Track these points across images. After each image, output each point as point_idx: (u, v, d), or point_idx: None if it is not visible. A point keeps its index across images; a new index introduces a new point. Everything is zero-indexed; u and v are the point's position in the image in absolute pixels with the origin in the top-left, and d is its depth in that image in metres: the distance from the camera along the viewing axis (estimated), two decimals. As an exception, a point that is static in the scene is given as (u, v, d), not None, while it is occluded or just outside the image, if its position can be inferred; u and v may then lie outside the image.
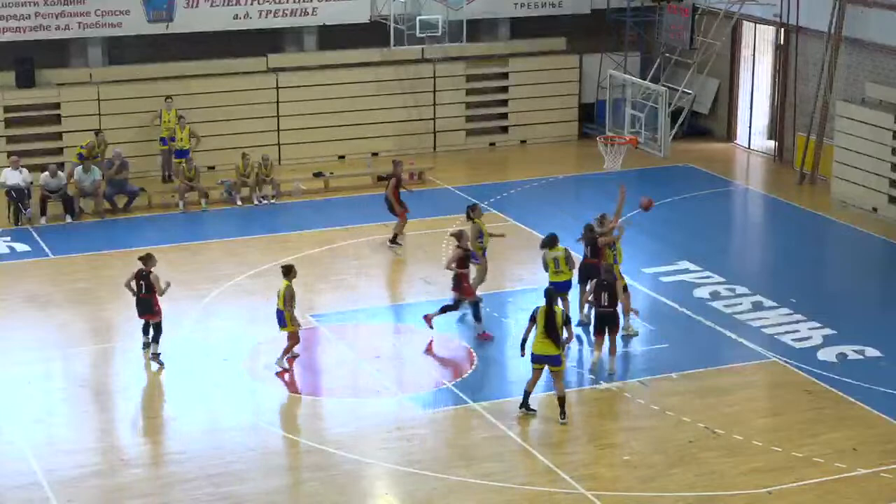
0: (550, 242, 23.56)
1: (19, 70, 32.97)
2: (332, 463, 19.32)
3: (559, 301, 20.72)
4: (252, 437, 20.11)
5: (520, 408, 20.59)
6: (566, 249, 23.55)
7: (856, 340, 23.43)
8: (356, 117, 35.32)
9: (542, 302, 20.36)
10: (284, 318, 22.14)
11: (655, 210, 26.55)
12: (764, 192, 33.20)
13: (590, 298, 23.17)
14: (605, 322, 22.14)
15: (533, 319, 20.31)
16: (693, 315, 24.71)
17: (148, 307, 22.64)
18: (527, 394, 20.59)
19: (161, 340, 22.66)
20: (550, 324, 20.10)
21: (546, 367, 20.36)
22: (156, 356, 22.57)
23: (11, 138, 33.00)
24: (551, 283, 22.46)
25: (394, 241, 28.27)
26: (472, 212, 24.98)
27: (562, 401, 20.32)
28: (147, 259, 22.73)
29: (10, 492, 18.44)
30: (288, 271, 22.27)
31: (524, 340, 20.45)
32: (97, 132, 32.01)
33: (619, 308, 22.39)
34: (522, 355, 20.53)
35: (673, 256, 27.70)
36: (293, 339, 22.29)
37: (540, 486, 18.65)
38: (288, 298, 22.00)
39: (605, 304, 22.04)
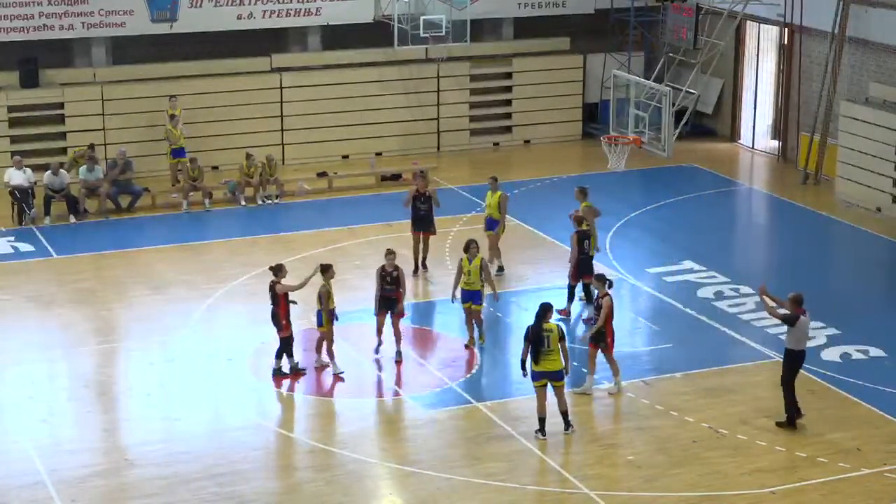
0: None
1: (23, 70, 32.99)
2: (336, 463, 19.33)
3: (551, 318, 19.82)
4: (256, 437, 20.12)
5: (536, 432, 19.96)
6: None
7: (859, 340, 23.42)
8: (360, 117, 35.33)
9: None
10: (322, 317, 21.91)
11: (659, 210, 26.55)
12: (767, 192, 33.18)
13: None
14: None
15: (528, 338, 19.75)
16: (697, 315, 24.71)
17: (274, 321, 22.12)
18: (541, 420, 19.95)
19: (284, 357, 22.08)
20: (540, 342, 19.57)
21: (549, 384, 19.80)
22: (276, 371, 22.09)
23: (15, 138, 33.01)
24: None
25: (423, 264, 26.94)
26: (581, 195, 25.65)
27: (565, 414, 20.06)
28: (276, 269, 22.07)
29: (14, 491, 18.46)
30: (325, 270, 22.01)
31: (523, 360, 19.80)
32: (91, 146, 31.72)
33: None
34: (524, 375, 19.88)
35: (677, 256, 27.70)
36: (327, 337, 22.23)
37: (544, 486, 18.66)
38: (323, 297, 21.82)
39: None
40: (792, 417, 20.20)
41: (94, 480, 18.80)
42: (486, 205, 26.54)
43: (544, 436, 19.91)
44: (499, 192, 26.32)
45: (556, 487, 18.62)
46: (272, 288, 21.94)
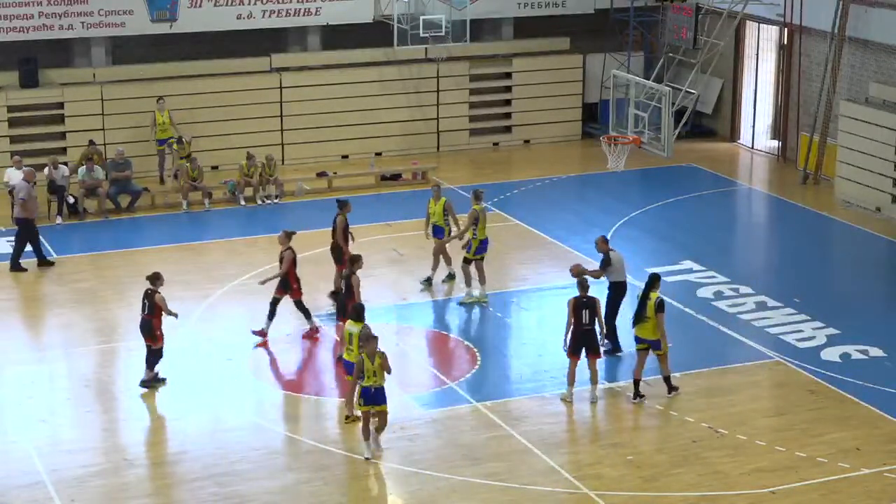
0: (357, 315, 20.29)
1: (23, 70, 32.98)
2: (336, 462, 19.33)
3: (657, 289, 21.12)
4: (255, 437, 20.11)
5: (633, 398, 21.11)
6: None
7: (859, 340, 23.41)
8: (360, 117, 35.32)
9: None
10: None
11: (659, 210, 26.56)
12: (767, 192, 33.17)
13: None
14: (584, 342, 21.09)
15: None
16: (697, 315, 24.70)
17: (146, 331, 21.59)
18: (637, 382, 21.14)
19: (154, 367, 21.64)
20: (641, 308, 20.95)
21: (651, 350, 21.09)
22: (143, 382, 21.57)
23: (15, 138, 33.00)
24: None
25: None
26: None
27: (667, 379, 21.19)
28: (154, 278, 21.57)
29: (13, 491, 18.46)
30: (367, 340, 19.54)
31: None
32: (91, 142, 31.79)
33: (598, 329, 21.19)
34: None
35: (676, 256, 27.69)
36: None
37: (543, 486, 18.65)
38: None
39: (586, 322, 20.92)
40: (615, 347, 22.53)
41: (94, 480, 18.80)
42: (429, 212, 25.85)
43: (638, 398, 21.09)
44: (443, 199, 25.93)
45: (556, 487, 18.62)
46: (150, 297, 21.42)
